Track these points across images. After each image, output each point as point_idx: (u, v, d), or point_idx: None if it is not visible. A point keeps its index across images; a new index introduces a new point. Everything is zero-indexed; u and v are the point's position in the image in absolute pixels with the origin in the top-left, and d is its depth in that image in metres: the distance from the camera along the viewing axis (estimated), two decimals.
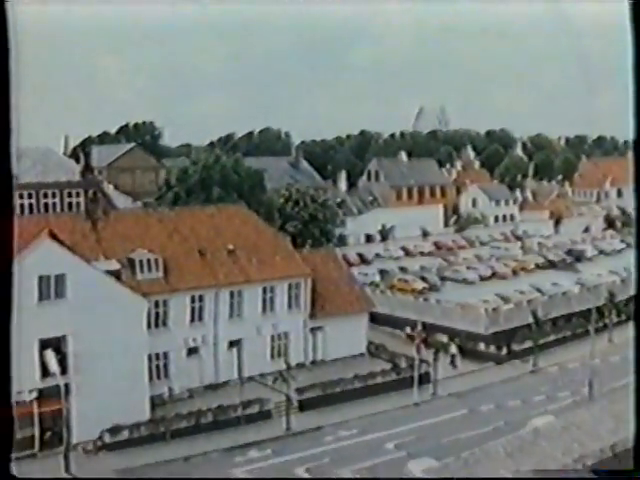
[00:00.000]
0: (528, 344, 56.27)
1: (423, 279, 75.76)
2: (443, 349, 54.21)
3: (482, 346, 56.71)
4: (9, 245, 7.36)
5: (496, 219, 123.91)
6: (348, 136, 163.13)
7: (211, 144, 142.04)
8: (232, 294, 49.72)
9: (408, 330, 58.05)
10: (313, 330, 52.77)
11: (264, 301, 50.84)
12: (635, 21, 8.71)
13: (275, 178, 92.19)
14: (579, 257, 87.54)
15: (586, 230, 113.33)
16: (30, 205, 60.94)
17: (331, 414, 44.84)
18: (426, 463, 34.49)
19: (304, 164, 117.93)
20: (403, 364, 50.62)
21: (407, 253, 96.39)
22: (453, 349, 54.70)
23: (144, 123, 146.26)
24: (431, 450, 37.03)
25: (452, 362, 53.32)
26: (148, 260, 47.80)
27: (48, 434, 40.42)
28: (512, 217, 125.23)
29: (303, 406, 45.42)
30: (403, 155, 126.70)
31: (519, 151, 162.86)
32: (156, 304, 46.61)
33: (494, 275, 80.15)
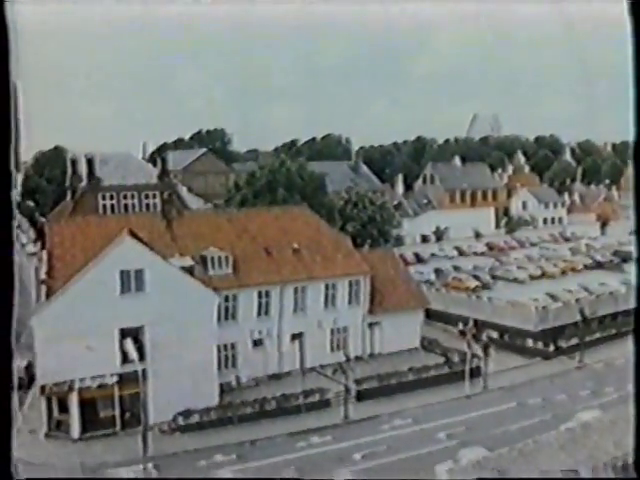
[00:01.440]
0: (575, 341, 55.79)
1: (476, 278, 75.46)
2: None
3: (531, 342, 56.37)
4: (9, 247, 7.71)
5: (545, 221, 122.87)
6: (405, 141, 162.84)
7: (277, 149, 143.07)
8: (296, 290, 50.17)
9: (461, 326, 58.02)
10: (371, 325, 52.97)
11: (326, 297, 51.14)
12: (635, 21, 8.78)
13: (336, 181, 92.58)
14: (625, 258, 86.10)
15: (632, 233, 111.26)
16: (112, 206, 62.21)
17: (387, 404, 44.98)
18: (477, 452, 34.62)
19: (363, 168, 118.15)
20: (455, 358, 50.52)
21: (461, 253, 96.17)
22: (484, 337, 54.39)
23: (215, 130, 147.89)
24: (481, 440, 37.14)
25: (485, 351, 52.75)
26: (219, 257, 48.51)
27: (127, 415, 41.57)
28: (560, 219, 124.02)
29: (361, 396, 45.62)
30: (457, 160, 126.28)
31: (568, 156, 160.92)
32: (226, 298, 47.28)
33: (543, 275, 79.50)
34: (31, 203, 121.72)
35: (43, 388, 40.78)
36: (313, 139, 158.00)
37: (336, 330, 51.58)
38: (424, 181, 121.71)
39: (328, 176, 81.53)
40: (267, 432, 41.03)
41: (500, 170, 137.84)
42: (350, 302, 52.00)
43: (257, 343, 49.04)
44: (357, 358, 51.06)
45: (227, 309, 47.60)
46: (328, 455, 37.90)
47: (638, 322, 11.28)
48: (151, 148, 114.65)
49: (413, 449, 37.94)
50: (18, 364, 45.32)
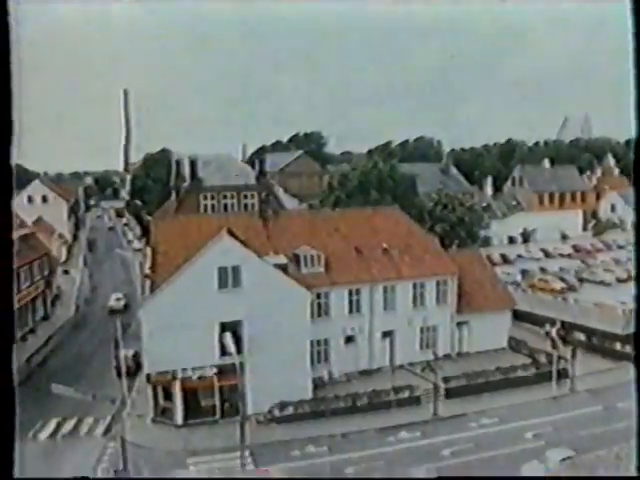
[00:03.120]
0: None
1: (562, 280, 73.91)
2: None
3: (618, 345, 54.78)
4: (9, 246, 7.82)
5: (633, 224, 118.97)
6: (495, 144, 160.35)
7: (370, 152, 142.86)
8: (385, 289, 50.11)
9: (547, 327, 56.87)
10: (459, 324, 52.49)
11: (415, 296, 50.92)
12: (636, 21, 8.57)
13: (427, 183, 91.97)
14: None
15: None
16: (212, 205, 63.41)
17: (475, 402, 44.53)
18: (564, 452, 34.02)
19: (453, 170, 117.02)
20: (542, 359, 49.54)
21: (547, 255, 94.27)
22: (553, 332, 53.10)
23: (312, 133, 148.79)
24: (568, 441, 36.41)
25: (553, 345, 51.35)
26: (312, 256, 48.87)
27: (226, 405, 42.49)
28: None
29: (449, 394, 45.26)
30: (546, 162, 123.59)
31: None
32: (318, 296, 47.60)
33: (630, 278, 77.14)
34: (138, 202, 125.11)
35: (149, 376, 42.04)
36: (405, 141, 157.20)
37: (425, 329, 51.29)
38: (513, 183, 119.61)
39: (419, 178, 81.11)
40: (358, 426, 41.19)
41: (589, 172, 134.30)
42: (438, 301, 51.63)
43: (349, 339, 49.26)
44: (445, 356, 50.75)
45: (320, 306, 47.93)
46: (417, 450, 37.80)
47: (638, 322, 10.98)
48: (250, 150, 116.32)
49: (500, 448, 37.48)
50: (125, 353, 46.80)
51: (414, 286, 50.89)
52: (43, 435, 42.07)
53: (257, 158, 78.34)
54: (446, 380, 45.73)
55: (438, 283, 51.67)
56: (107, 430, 41.88)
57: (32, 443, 40.94)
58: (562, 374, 47.72)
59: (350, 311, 49.09)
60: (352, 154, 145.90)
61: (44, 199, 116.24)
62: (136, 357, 48.60)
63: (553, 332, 52.77)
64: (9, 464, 7.37)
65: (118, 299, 74.77)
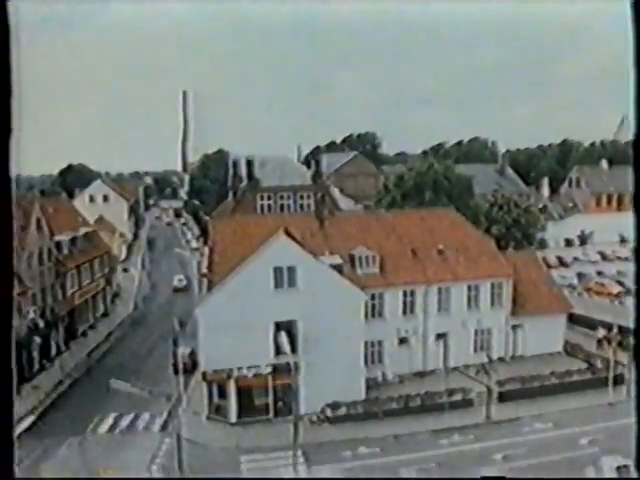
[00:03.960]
0: None
1: (619, 283, 72.21)
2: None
3: None
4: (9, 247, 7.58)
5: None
6: (551, 144, 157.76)
7: (424, 152, 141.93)
8: (440, 290, 49.50)
9: (603, 332, 55.53)
10: (514, 327, 51.57)
11: (469, 298, 50.19)
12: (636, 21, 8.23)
13: (482, 184, 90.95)
14: None
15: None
16: (269, 206, 63.51)
17: (529, 406, 43.60)
18: (619, 460, 33.03)
19: (509, 171, 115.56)
20: (599, 364, 48.41)
21: (604, 258, 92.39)
22: (610, 337, 51.67)
23: (366, 133, 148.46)
24: (624, 449, 35.36)
25: (609, 350, 49.71)
26: (367, 257, 48.56)
27: (280, 404, 42.41)
28: None
29: (502, 397, 44.44)
30: (604, 163, 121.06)
31: None
32: (372, 296, 47.23)
33: None
34: (197, 202, 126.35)
35: (204, 374, 42.22)
36: (460, 142, 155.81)
37: (480, 331, 50.52)
38: (570, 184, 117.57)
39: (474, 179, 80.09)
40: (410, 428, 40.68)
41: None
42: (493, 304, 50.81)
43: (403, 341, 48.80)
44: (500, 359, 49.86)
45: (374, 307, 47.61)
46: (469, 454, 37.18)
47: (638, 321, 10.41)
48: (305, 151, 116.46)
49: (554, 453, 36.62)
50: (182, 351, 47.12)
51: (469, 288, 50.17)
52: (102, 429, 42.61)
53: (312, 159, 78.24)
54: (500, 383, 44.92)
55: (493, 285, 50.84)
56: (163, 426, 42.24)
57: (92, 436, 41.52)
58: (618, 380, 46.46)
59: (404, 312, 48.63)
60: (406, 155, 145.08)
61: (105, 198, 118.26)
62: (192, 355, 48.91)
63: (610, 336, 51.46)
64: (9, 464, 7.29)
65: (180, 280, 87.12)
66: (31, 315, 53.03)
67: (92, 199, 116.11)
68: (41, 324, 54.69)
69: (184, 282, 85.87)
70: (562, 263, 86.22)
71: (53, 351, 58.01)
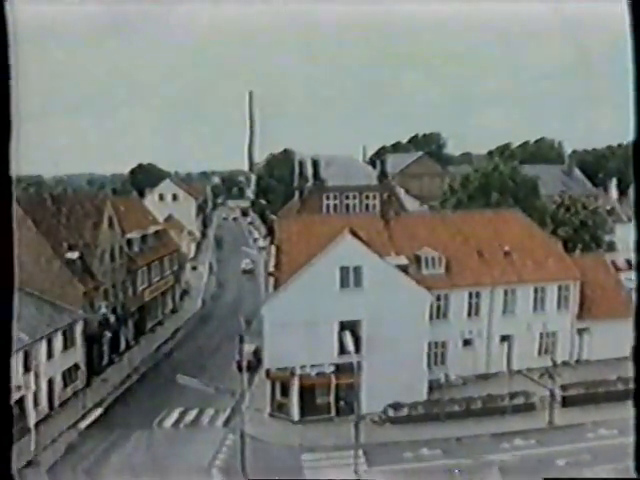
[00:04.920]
0: None
1: None
2: None
3: None
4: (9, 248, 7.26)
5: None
6: (619, 145, 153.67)
7: (490, 153, 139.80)
8: (506, 292, 48.61)
9: None
10: (580, 331, 50.29)
11: (535, 300, 49.14)
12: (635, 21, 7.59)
13: (549, 185, 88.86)
14: None
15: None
16: (335, 205, 63.20)
17: (593, 412, 42.25)
18: None
19: (576, 172, 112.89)
20: None
21: None
22: None
23: (432, 133, 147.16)
24: None
25: None
26: (432, 257, 47.93)
27: (342, 403, 42.17)
28: None
29: (566, 402, 43.22)
30: None
31: None
32: (438, 297, 46.58)
33: None
34: (263, 201, 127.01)
35: (268, 372, 42.25)
36: (526, 142, 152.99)
37: (545, 334, 49.38)
38: None
39: (541, 179, 78.34)
40: (472, 430, 39.92)
41: None
42: (559, 307, 49.62)
43: (467, 342, 48.03)
44: (564, 363, 48.63)
45: (439, 308, 46.98)
46: (531, 458, 36.23)
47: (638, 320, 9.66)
48: (371, 151, 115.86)
49: (618, 461, 35.29)
50: (247, 348, 47.26)
51: (535, 290, 49.13)
52: (167, 423, 43.03)
53: (378, 159, 77.60)
54: (564, 388, 43.74)
55: (560, 288, 49.65)
56: (227, 422, 42.42)
57: (158, 430, 41.97)
58: None
59: (469, 314, 47.88)
60: (472, 155, 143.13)
61: (174, 197, 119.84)
62: (257, 352, 49.03)
63: None
64: (6, 460, 7.00)
65: (247, 264, 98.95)
66: (103, 310, 53.93)
67: (162, 198, 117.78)
68: (112, 319, 55.59)
69: (250, 265, 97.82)
70: (631, 266, 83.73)
71: (122, 346, 58.96)
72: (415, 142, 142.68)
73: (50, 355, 45.35)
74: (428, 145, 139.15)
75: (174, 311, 74.71)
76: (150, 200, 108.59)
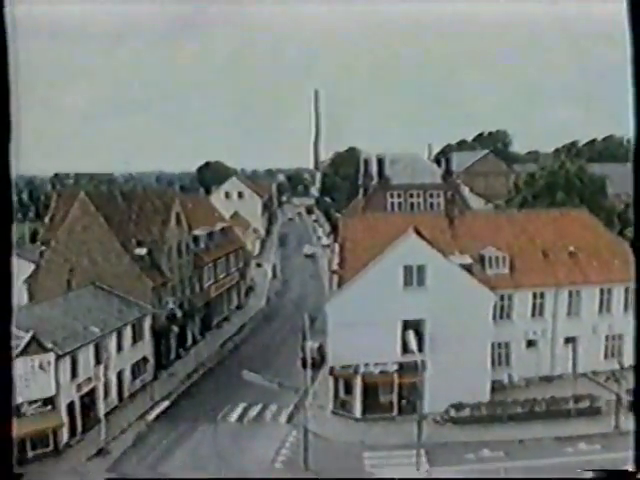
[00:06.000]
0: None
1: None
2: None
3: None
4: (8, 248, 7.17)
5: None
6: None
7: (557, 151, 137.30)
8: (571, 293, 47.63)
9: None
10: None
11: (601, 302, 47.99)
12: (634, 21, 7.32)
13: (616, 184, 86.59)
14: None
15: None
16: (399, 204, 62.90)
17: None
18: None
19: None
20: None
21: None
22: None
23: (497, 131, 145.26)
24: None
25: None
26: (496, 257, 47.23)
27: (404, 402, 41.97)
28: None
29: (633, 407, 42.04)
30: None
31: None
32: (501, 298, 45.89)
33: None
34: (327, 199, 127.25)
35: (332, 369, 42.33)
36: (593, 140, 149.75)
37: (611, 337, 48.16)
38: None
39: (608, 178, 76.58)
40: (535, 433, 39.13)
41: None
42: (626, 309, 48.24)
43: (530, 344, 47.20)
44: (631, 367, 47.24)
45: (502, 308, 46.31)
46: (596, 464, 35.30)
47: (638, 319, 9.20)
48: (436, 149, 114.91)
49: None
50: (311, 345, 47.41)
51: (601, 292, 48.00)
52: (232, 418, 43.47)
53: (443, 157, 76.92)
54: (631, 392, 42.55)
55: (626, 290, 48.31)
56: (290, 418, 42.64)
57: (222, 424, 42.44)
58: None
59: (533, 315, 47.06)
60: (538, 153, 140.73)
61: (240, 195, 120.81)
62: (321, 350, 49.13)
63: None
64: (8, 461, 7.00)
65: (309, 248, 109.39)
66: (170, 305, 54.77)
67: (228, 195, 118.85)
68: (179, 314, 56.41)
69: (312, 249, 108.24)
70: None
71: (189, 341, 59.80)
72: (481, 140, 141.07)
73: (120, 348, 46.32)
74: (494, 143, 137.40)
75: (239, 307, 75.44)
76: (216, 197, 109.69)
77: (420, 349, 39.74)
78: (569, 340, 47.36)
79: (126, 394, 47.00)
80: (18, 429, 37.12)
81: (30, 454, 37.82)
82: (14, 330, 38.79)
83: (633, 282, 42.72)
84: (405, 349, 40.60)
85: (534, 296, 47.09)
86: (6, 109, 6.27)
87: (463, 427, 40.26)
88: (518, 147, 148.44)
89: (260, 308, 75.71)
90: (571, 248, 49.00)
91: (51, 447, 38.81)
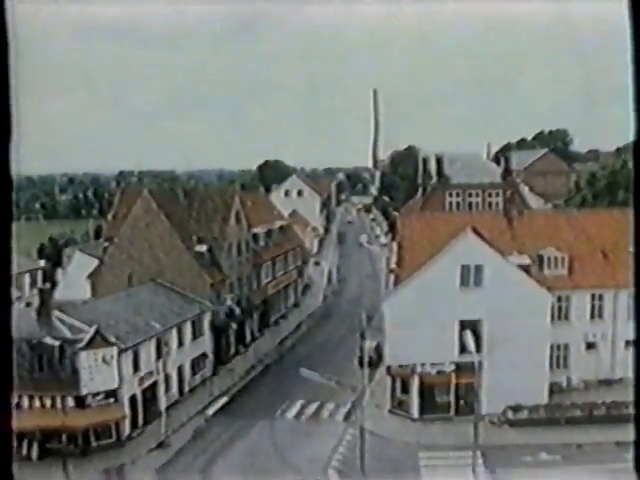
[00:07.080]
0: None
1: None
2: None
3: None
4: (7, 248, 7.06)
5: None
6: None
7: (618, 150, 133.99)
8: (630, 296, 46.52)
9: None
10: None
11: None
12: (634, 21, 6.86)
13: None
14: None
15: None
16: (457, 203, 62.42)
17: None
18: None
19: None
20: None
21: None
22: None
23: (558, 130, 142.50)
24: None
25: None
26: (555, 257, 46.31)
27: (461, 402, 41.61)
28: None
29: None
30: None
31: None
32: (559, 299, 44.97)
33: None
34: (386, 198, 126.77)
35: (389, 368, 42.21)
36: None
37: None
38: None
39: None
40: (594, 437, 38.19)
41: None
42: None
43: (590, 346, 46.14)
44: None
45: (560, 309, 45.35)
46: None
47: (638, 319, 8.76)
48: (495, 148, 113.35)
49: None
50: (369, 344, 47.31)
51: None
52: (289, 415, 43.66)
53: (502, 156, 76.01)
54: None
55: None
56: (347, 416, 42.62)
57: (280, 421, 42.67)
58: None
59: (592, 316, 45.97)
60: (599, 152, 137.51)
61: (299, 193, 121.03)
62: (378, 349, 48.97)
63: None
64: (6, 460, 6.97)
65: (364, 238, 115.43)
66: (228, 302, 55.26)
67: (287, 194, 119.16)
68: (237, 311, 56.88)
69: (366, 239, 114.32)
70: None
71: (248, 337, 60.25)
72: (540, 139, 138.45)
73: (180, 343, 46.97)
74: (554, 142, 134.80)
75: (297, 305, 75.61)
76: (276, 195, 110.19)
77: (477, 349, 39.34)
78: (629, 343, 46.22)
79: (186, 389, 47.64)
80: (83, 420, 38.17)
81: (94, 444, 38.71)
82: (78, 324, 39.82)
83: None
84: (462, 349, 40.29)
85: (592, 297, 46.00)
86: (6, 109, 6.33)
87: (520, 429, 39.64)
88: (579, 146, 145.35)
89: (317, 306, 75.75)
90: (631, 249, 47.71)
91: (114, 438, 39.63)
